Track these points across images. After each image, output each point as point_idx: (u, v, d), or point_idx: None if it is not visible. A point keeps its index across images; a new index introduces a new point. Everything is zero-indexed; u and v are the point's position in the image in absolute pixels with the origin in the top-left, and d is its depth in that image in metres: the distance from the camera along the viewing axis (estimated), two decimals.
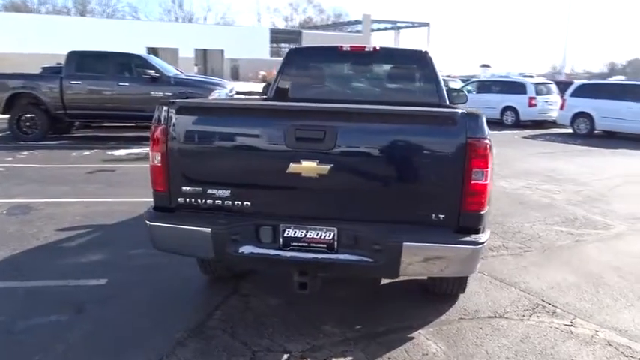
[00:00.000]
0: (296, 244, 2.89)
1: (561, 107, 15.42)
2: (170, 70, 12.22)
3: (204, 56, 47.21)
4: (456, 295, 3.79)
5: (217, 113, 2.97)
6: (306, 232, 2.87)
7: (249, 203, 2.91)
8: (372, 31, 53.97)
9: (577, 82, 16.25)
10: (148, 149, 3.04)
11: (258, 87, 35.77)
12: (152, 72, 11.33)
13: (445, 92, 5.02)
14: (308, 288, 2.89)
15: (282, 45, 53.63)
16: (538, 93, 16.54)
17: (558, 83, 18.20)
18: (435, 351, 3.09)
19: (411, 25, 56.75)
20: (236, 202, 2.91)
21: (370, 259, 2.79)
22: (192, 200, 2.96)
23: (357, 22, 54.81)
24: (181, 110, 2.89)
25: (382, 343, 3.17)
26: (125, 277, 4.07)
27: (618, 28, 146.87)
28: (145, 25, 45.59)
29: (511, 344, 3.19)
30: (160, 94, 11.20)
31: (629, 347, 3.21)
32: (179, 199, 2.97)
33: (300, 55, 5.34)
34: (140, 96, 11.20)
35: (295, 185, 2.82)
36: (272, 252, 2.88)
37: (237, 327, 3.33)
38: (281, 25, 69.66)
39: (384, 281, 4.08)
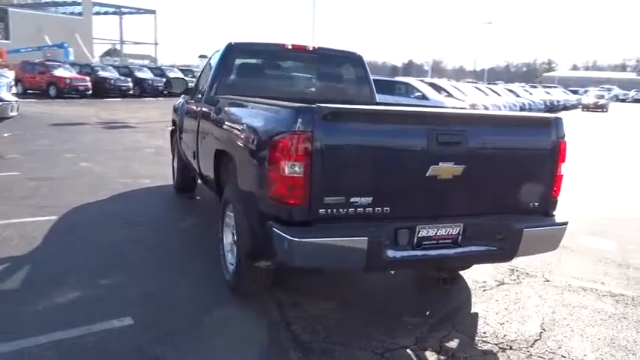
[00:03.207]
0: (427, 242, 3.06)
1: None
2: None
3: None
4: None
5: (364, 119, 2.87)
6: (437, 230, 3.06)
7: (388, 208, 2.93)
8: (94, 14, 49.77)
9: None
10: None
11: None
12: None
13: (375, 92, 5.52)
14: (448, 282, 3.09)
15: None
16: None
17: None
18: (505, 317, 3.63)
19: (135, 11, 54.22)
20: (377, 208, 2.90)
21: (494, 248, 3.16)
22: (334, 211, 2.82)
23: (75, 3, 49.72)
24: (328, 116, 2.72)
25: (462, 323, 3.55)
26: (145, 311, 3.46)
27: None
28: None
29: (541, 303, 3.93)
30: None
31: (597, 289, 4.28)
32: (320, 211, 2.80)
33: (243, 52, 5.11)
34: None
35: (432, 186, 2.98)
36: (420, 253, 2.99)
37: (332, 335, 3.28)
38: None
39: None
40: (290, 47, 5.17)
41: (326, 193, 2.79)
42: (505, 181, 3.22)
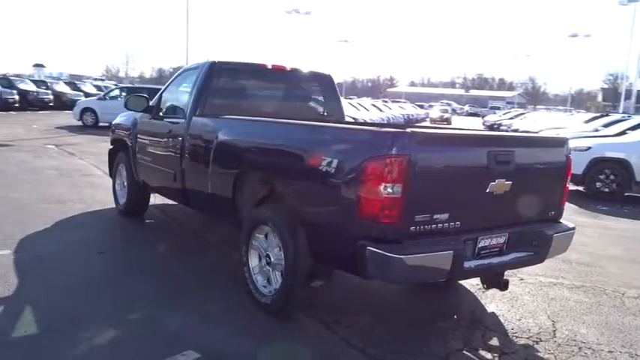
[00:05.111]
0: (483, 252, 3.40)
1: None
2: None
3: None
4: None
5: (449, 142, 3.13)
6: (491, 240, 3.42)
7: (459, 222, 3.21)
8: None
9: None
10: None
11: None
12: None
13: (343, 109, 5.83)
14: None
15: None
16: None
17: None
18: (517, 314, 4.09)
19: None
20: (451, 223, 3.17)
21: (532, 253, 3.60)
22: (421, 227, 3.03)
23: None
24: (424, 141, 2.94)
25: (490, 323, 3.94)
26: (203, 343, 3.32)
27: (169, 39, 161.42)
28: None
29: (534, 299, 4.48)
30: None
31: (563, 283, 4.98)
32: (411, 228, 2.99)
33: (225, 70, 5.03)
34: None
35: (488, 201, 3.33)
36: (486, 262, 3.32)
37: (395, 346, 3.46)
38: None
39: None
40: (270, 67, 5.25)
41: (417, 211, 3.00)
42: (536, 194, 3.68)
